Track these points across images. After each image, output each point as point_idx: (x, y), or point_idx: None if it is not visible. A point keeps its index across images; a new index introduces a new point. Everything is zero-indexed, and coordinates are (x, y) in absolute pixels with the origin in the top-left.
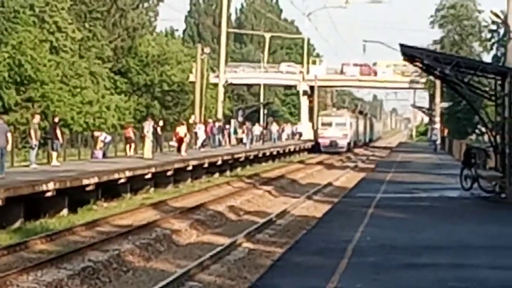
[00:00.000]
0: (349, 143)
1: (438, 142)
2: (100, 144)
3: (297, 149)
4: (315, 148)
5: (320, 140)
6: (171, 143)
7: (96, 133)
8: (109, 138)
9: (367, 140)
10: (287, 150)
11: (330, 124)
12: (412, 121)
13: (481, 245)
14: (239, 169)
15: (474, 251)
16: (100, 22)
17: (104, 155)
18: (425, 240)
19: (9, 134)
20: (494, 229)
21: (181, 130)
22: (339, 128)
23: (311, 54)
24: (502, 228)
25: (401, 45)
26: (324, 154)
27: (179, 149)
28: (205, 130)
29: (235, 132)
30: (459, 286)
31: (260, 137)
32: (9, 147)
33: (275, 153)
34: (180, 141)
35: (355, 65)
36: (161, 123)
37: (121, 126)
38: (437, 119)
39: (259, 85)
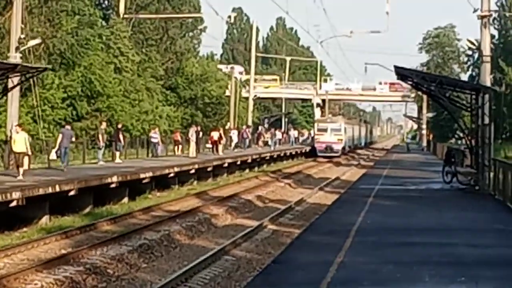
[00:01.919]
0: (343, 148)
1: (410, 143)
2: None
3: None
4: (312, 152)
5: (316, 145)
6: (207, 145)
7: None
8: (155, 140)
9: (368, 142)
10: (303, 151)
11: (325, 130)
12: (404, 127)
13: (460, 227)
14: (265, 166)
15: (455, 232)
16: (155, 47)
17: (153, 155)
18: (415, 223)
19: (73, 138)
20: (470, 215)
21: (215, 134)
22: (334, 133)
23: (323, 74)
24: (476, 214)
25: (396, 67)
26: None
27: (214, 150)
28: (238, 135)
29: (259, 136)
30: (441, 260)
31: (280, 140)
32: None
33: (293, 153)
34: (213, 143)
35: (385, 83)
36: (199, 128)
37: (171, 131)
38: (424, 126)
39: (281, 98)
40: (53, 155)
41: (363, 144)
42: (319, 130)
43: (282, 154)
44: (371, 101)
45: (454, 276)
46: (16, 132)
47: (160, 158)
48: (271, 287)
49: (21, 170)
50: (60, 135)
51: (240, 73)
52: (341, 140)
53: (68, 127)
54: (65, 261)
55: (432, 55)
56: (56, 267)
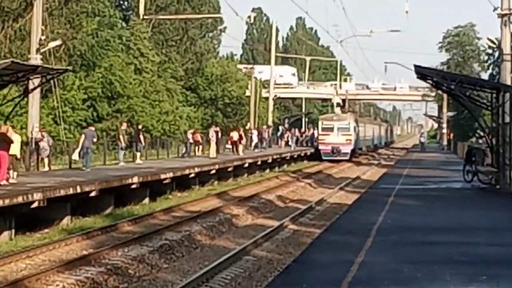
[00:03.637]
0: (353, 150)
1: (425, 142)
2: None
3: None
4: (316, 155)
5: (320, 147)
6: (227, 146)
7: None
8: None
9: (388, 141)
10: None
11: (332, 129)
12: (424, 127)
13: (481, 226)
14: (285, 166)
15: (475, 231)
16: (175, 48)
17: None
18: (435, 223)
19: (95, 139)
20: (492, 214)
21: (234, 134)
22: (342, 133)
23: (343, 73)
24: (498, 213)
25: (415, 66)
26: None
27: (234, 150)
28: (258, 135)
29: (282, 136)
30: (462, 259)
31: (298, 140)
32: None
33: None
34: (233, 143)
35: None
36: (218, 128)
37: None
38: (444, 125)
39: (301, 98)
40: (75, 156)
41: (380, 144)
42: (324, 129)
43: (302, 154)
44: (391, 100)
45: (475, 275)
46: None
47: (181, 159)
48: (291, 287)
49: (14, 173)
50: (83, 136)
51: (293, 74)
52: (350, 140)
53: (91, 128)
54: (86, 262)
55: (452, 54)
56: (78, 268)
